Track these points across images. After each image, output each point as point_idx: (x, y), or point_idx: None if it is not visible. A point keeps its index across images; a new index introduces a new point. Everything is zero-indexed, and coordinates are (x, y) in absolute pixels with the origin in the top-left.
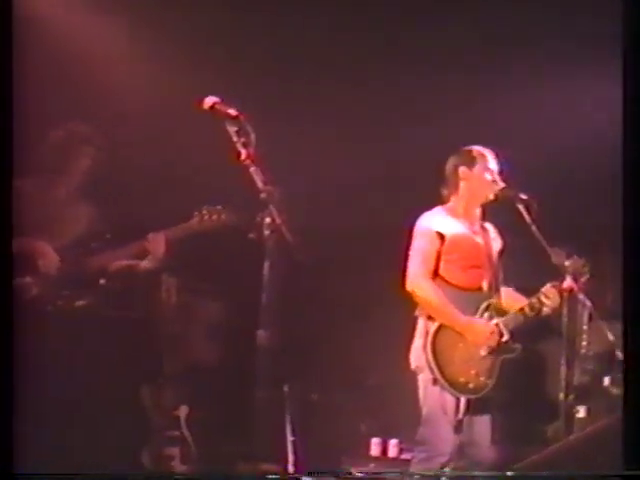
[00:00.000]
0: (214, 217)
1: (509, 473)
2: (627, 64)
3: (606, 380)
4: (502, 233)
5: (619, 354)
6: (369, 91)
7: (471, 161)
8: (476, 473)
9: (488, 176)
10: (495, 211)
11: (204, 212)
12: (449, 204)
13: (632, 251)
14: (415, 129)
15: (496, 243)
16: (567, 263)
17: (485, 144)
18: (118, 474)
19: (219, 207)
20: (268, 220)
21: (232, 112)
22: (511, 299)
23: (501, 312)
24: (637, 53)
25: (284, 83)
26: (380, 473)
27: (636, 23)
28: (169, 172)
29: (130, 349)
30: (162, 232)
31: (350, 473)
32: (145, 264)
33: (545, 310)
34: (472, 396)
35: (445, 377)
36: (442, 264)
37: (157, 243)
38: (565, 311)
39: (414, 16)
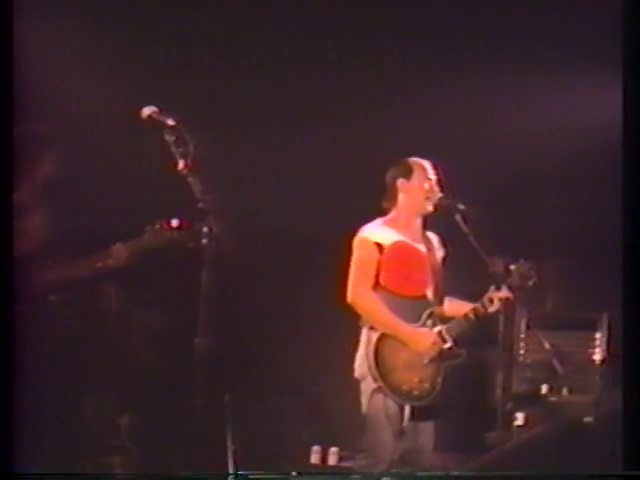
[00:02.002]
0: (167, 234)
1: (512, 473)
2: (627, 69)
3: (544, 388)
4: (445, 242)
5: (556, 362)
6: (309, 98)
7: (409, 172)
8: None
9: (426, 186)
10: (437, 221)
11: (157, 227)
12: (390, 215)
13: (631, 251)
14: (358, 138)
15: (439, 252)
16: (513, 267)
17: (425, 154)
18: (117, 474)
19: (174, 221)
20: (206, 229)
21: (170, 122)
22: (453, 306)
23: (444, 319)
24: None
25: (222, 92)
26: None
27: (636, 25)
28: (110, 182)
29: (70, 357)
30: (124, 244)
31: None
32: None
33: (490, 310)
34: (416, 403)
35: (388, 385)
36: (383, 274)
37: (119, 253)
38: (502, 319)
39: (359, 23)
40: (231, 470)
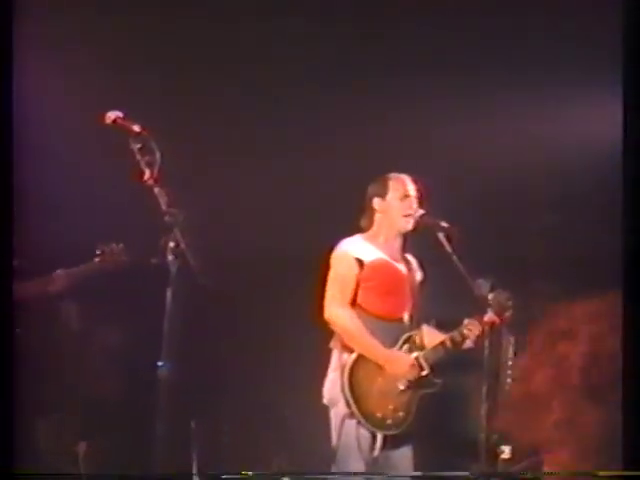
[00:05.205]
0: (115, 257)
1: (511, 473)
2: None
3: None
4: (423, 265)
5: None
6: (286, 108)
7: (384, 190)
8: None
9: (404, 203)
10: (418, 241)
11: (106, 251)
12: (369, 232)
13: (624, 273)
14: (337, 151)
15: (418, 274)
16: (490, 297)
17: (407, 168)
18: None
19: (120, 245)
20: (172, 244)
21: (136, 128)
22: (432, 335)
23: (421, 346)
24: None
25: (193, 98)
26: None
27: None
28: (71, 191)
29: (27, 379)
30: (65, 271)
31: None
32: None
33: (467, 343)
34: (390, 432)
35: (361, 411)
36: (361, 292)
37: (58, 280)
38: (487, 345)
39: (339, 40)
40: None
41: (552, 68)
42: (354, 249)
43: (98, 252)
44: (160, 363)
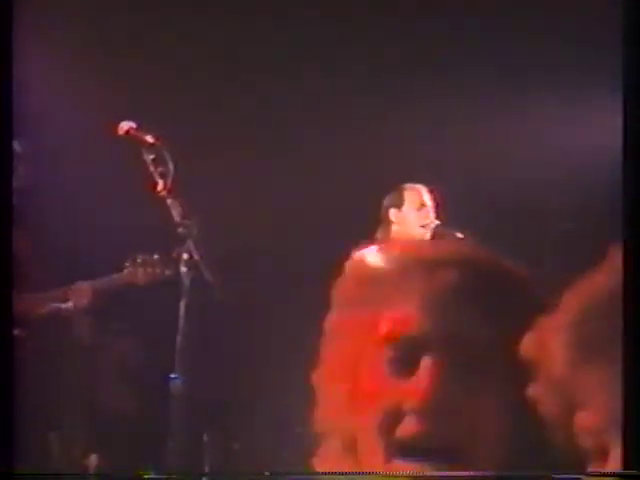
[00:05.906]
0: (149, 270)
1: (511, 473)
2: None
3: None
4: None
5: None
6: (300, 115)
7: (400, 201)
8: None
9: (420, 213)
10: None
11: (138, 261)
12: (386, 244)
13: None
14: (353, 160)
15: None
16: None
17: (423, 179)
18: (119, 474)
19: (156, 257)
20: (186, 256)
21: (149, 139)
22: None
23: None
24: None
25: (206, 106)
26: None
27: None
28: (82, 202)
29: (38, 393)
30: (89, 282)
31: None
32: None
33: None
34: None
35: None
36: None
37: (81, 293)
38: None
39: (351, 42)
40: None
41: (553, 69)
42: (371, 259)
43: (127, 264)
44: (173, 375)
